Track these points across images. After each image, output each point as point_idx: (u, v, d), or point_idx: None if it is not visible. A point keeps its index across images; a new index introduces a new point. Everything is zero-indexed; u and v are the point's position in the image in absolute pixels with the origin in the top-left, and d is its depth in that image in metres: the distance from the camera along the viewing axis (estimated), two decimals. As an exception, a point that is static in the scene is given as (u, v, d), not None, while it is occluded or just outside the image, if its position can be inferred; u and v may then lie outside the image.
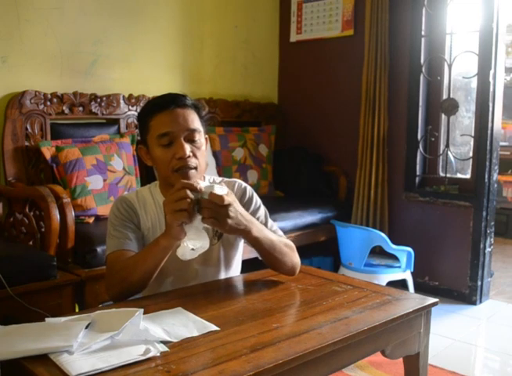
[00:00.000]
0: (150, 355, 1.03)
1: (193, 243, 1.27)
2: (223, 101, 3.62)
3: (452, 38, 3.24)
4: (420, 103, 3.36)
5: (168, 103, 1.45)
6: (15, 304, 1.95)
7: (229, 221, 1.29)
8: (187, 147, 1.43)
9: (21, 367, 1.02)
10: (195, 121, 1.46)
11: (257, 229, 1.41)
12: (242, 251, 1.66)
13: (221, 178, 1.64)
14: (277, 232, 1.59)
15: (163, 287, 1.52)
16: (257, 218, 1.55)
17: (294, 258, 1.53)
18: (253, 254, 1.63)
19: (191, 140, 1.45)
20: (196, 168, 1.45)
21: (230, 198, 1.29)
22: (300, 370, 1.09)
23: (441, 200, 3.27)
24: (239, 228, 1.33)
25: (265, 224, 1.57)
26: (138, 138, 2.99)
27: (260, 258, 1.54)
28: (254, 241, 1.42)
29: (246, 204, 1.57)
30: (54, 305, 2.10)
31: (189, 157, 1.43)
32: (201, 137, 1.48)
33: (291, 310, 1.35)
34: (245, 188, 1.60)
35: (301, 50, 3.87)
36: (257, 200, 1.61)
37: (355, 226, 3.21)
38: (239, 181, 1.62)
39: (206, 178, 1.59)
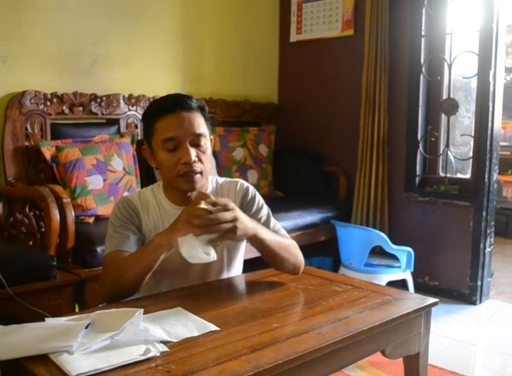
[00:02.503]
0: (150, 355, 1.03)
1: (204, 250, 1.28)
2: (223, 101, 3.62)
3: (452, 38, 3.24)
4: (420, 103, 3.35)
5: (174, 106, 1.43)
6: (15, 304, 1.95)
7: (238, 232, 1.31)
8: (192, 152, 1.42)
9: (21, 367, 1.02)
10: (201, 125, 1.45)
11: (261, 231, 1.42)
12: (244, 252, 1.65)
13: (223, 179, 1.63)
14: (280, 231, 1.59)
15: (163, 287, 1.52)
16: (260, 218, 1.56)
17: (298, 257, 1.53)
18: (254, 253, 1.63)
19: (196, 145, 1.44)
20: (201, 173, 1.45)
21: (233, 213, 1.30)
22: (300, 370, 1.09)
23: (441, 200, 3.27)
24: (246, 235, 1.36)
25: (268, 223, 1.57)
26: (139, 138, 3.01)
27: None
28: (258, 243, 1.43)
29: (249, 203, 1.57)
30: (54, 305, 2.10)
31: (194, 162, 1.42)
32: (207, 141, 1.47)
33: (291, 310, 1.35)
34: (247, 188, 1.59)
35: (301, 50, 3.87)
36: (259, 199, 1.60)
37: (355, 226, 3.21)
38: (241, 181, 1.61)
39: (209, 179, 1.58)
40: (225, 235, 1.30)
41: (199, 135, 1.44)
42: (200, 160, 1.44)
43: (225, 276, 1.58)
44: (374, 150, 3.38)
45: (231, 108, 3.67)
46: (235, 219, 1.29)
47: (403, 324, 1.35)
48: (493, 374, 2.41)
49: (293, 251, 1.52)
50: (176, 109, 1.42)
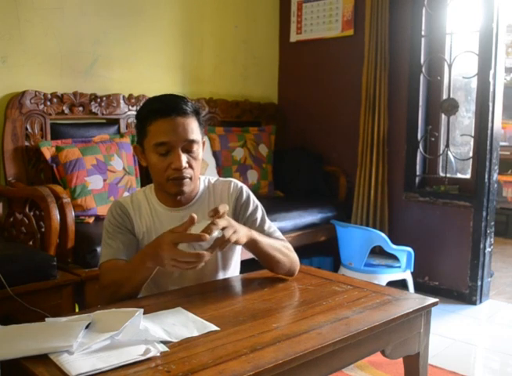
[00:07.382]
0: (150, 355, 1.03)
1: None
2: (223, 101, 3.62)
3: (452, 38, 3.24)
4: (420, 103, 3.35)
5: (169, 110, 1.40)
6: (15, 304, 1.95)
7: (236, 239, 1.33)
8: (184, 158, 1.41)
9: (21, 367, 1.02)
10: (194, 131, 1.43)
11: (255, 236, 1.42)
12: (240, 252, 1.65)
13: (216, 178, 1.62)
14: (275, 233, 1.58)
15: (160, 288, 1.52)
16: (255, 219, 1.55)
17: (292, 259, 1.53)
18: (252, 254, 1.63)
19: (188, 150, 1.43)
20: (190, 178, 1.45)
21: (222, 222, 1.28)
22: (300, 370, 1.09)
23: (441, 200, 3.27)
24: (241, 242, 1.37)
25: (263, 225, 1.56)
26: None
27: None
28: (253, 247, 1.43)
29: (244, 205, 1.55)
30: (54, 305, 2.10)
31: (184, 168, 1.42)
32: (199, 147, 1.46)
33: (291, 310, 1.35)
34: (241, 188, 1.57)
35: (301, 50, 3.87)
36: (254, 200, 1.58)
37: (355, 226, 3.21)
38: (234, 180, 1.59)
39: (201, 178, 1.58)
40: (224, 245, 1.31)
41: (192, 142, 1.43)
42: (190, 166, 1.43)
43: (221, 276, 1.58)
44: (374, 150, 3.38)
45: (231, 108, 3.67)
46: (231, 231, 1.30)
47: (403, 324, 1.35)
48: (493, 374, 2.41)
49: (287, 254, 1.51)
50: (171, 113, 1.40)
